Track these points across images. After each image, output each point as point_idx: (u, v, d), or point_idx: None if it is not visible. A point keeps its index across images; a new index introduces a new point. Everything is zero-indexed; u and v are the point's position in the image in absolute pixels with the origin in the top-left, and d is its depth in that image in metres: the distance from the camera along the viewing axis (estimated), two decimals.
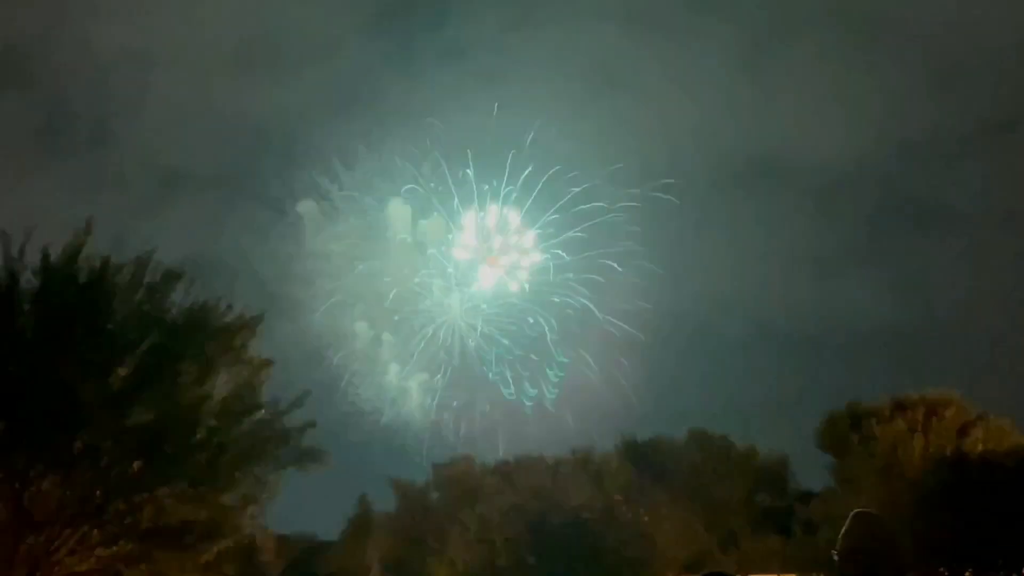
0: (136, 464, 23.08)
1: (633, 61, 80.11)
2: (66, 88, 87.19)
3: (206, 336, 24.04)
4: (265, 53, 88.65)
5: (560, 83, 75.87)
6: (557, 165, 68.77)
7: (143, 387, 23.04)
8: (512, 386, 68.92)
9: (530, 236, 70.35)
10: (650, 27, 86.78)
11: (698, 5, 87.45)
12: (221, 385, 24.18)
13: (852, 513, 6.99)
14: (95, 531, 23.04)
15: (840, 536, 6.83)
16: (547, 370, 68.56)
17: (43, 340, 22.74)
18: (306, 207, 71.42)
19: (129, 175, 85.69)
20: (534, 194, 69.32)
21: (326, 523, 58.09)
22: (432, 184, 69.92)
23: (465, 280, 71.42)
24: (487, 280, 71.32)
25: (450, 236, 70.80)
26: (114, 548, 23.25)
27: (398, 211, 70.41)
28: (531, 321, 69.98)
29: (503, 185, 69.57)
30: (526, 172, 68.88)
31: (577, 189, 69.10)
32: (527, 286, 70.55)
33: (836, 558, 6.81)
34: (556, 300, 69.80)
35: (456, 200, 70.00)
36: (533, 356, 69.23)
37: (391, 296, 70.34)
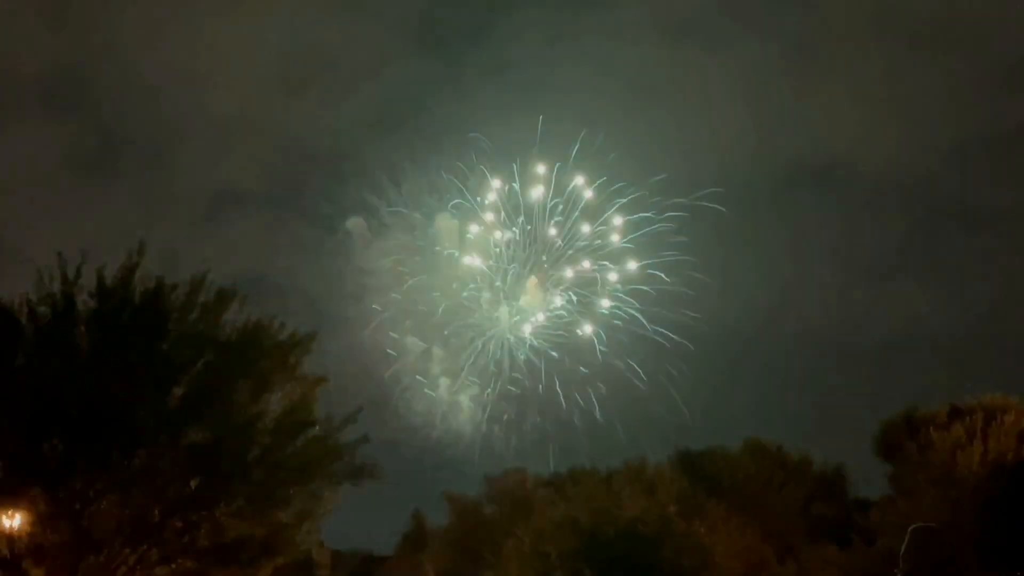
0: (193, 482, 23.32)
1: (675, 71, 79.69)
2: (117, 112, 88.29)
3: (260, 354, 24.23)
4: (311, 72, 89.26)
5: (603, 94, 75.54)
6: (603, 176, 68.56)
7: (199, 406, 23.28)
8: (562, 398, 68.83)
9: (577, 247, 70.27)
10: (691, 36, 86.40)
11: (738, 13, 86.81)
12: (275, 403, 24.39)
13: (911, 529, 6.86)
14: (153, 549, 23.31)
15: (901, 554, 6.72)
16: (597, 382, 68.44)
17: (100, 361, 23.03)
18: (354, 224, 71.69)
19: (180, 196, 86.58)
20: (580, 206, 69.26)
21: (381, 538, 58.24)
22: (479, 198, 70.05)
23: (513, 293, 71.51)
24: (535, 293, 71.34)
25: (497, 250, 70.92)
26: (172, 566, 23.50)
27: (445, 226, 70.56)
28: (579, 333, 69.87)
29: (549, 197, 69.62)
30: (572, 184, 68.85)
31: (623, 200, 68.87)
32: (574, 298, 70.49)
33: None
34: (604, 312, 69.68)
35: (503, 213, 70.07)
36: (582, 368, 69.07)
37: (440, 310, 70.52)
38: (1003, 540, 35.21)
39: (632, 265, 71.33)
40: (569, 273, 71.71)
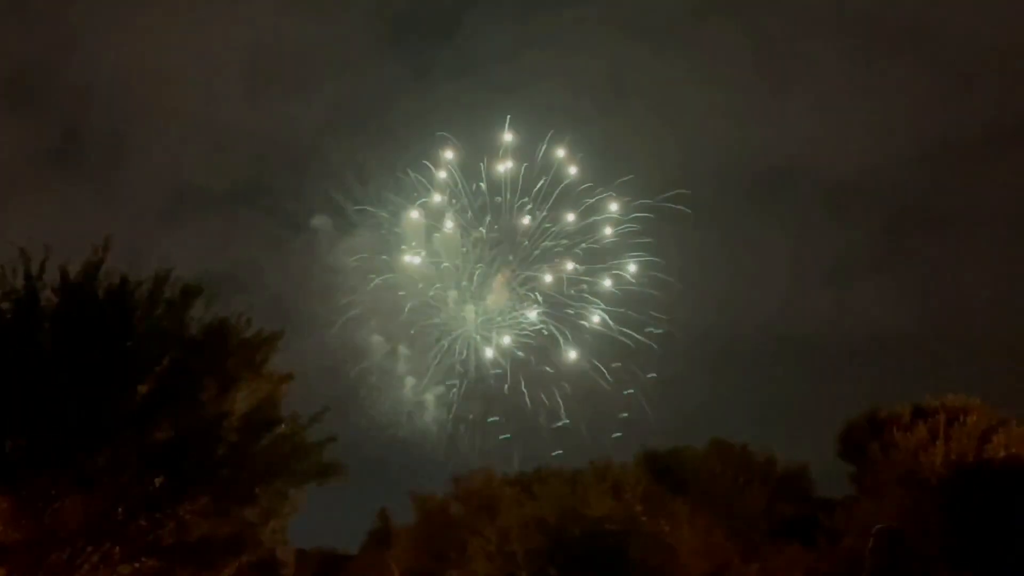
0: (158, 480, 23.13)
1: (644, 70, 79.92)
2: (78, 108, 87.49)
3: (226, 352, 24.10)
4: (276, 68, 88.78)
5: (571, 94, 75.67)
6: (570, 177, 68.78)
7: (164, 403, 23.11)
8: (527, 398, 68.92)
9: (543, 248, 70.37)
10: (660, 36, 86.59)
11: (708, 12, 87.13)
12: (242, 400, 24.25)
13: (875, 530, 6.87)
14: (117, 548, 23.09)
15: (867, 555, 6.74)
16: (561, 382, 68.55)
17: (63, 358, 22.81)
18: (320, 222, 71.61)
19: (143, 192, 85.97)
20: (547, 206, 69.36)
21: (346, 537, 58.10)
22: (445, 197, 70.03)
23: (479, 293, 71.48)
24: (501, 292, 71.36)
25: (464, 249, 70.87)
26: (136, 564, 23.29)
27: (412, 225, 70.54)
28: (545, 333, 70.01)
29: (516, 197, 69.65)
30: (539, 184, 68.92)
31: (590, 200, 69.10)
32: (541, 298, 70.56)
33: None
34: (570, 312, 69.78)
35: (470, 213, 70.07)
36: (548, 368, 69.21)
37: (406, 310, 70.42)
38: (966, 540, 35.54)
39: (598, 266, 71.57)
40: (535, 273, 71.81)
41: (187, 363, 23.67)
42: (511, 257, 70.71)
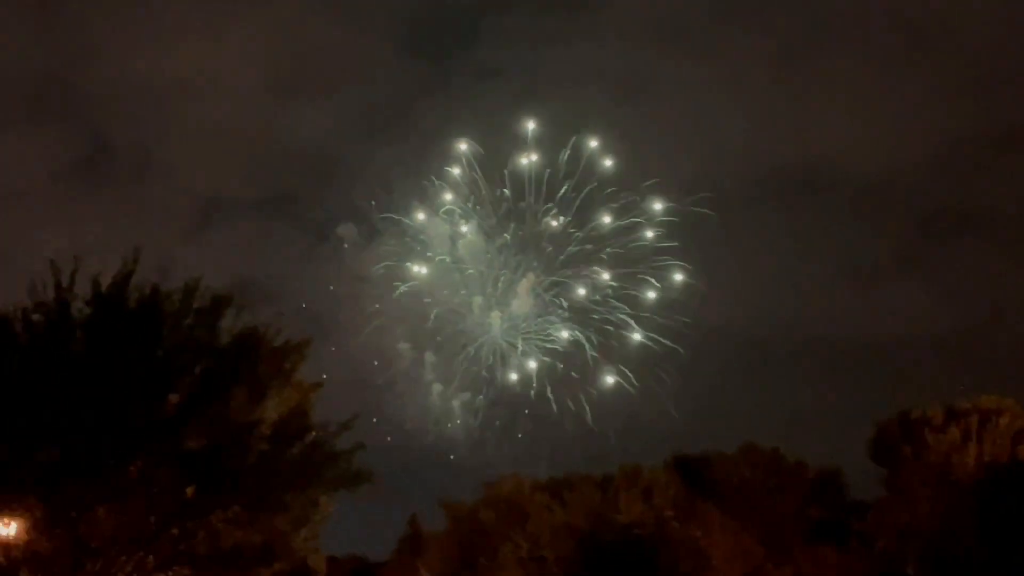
0: (189, 489, 23.21)
1: (666, 74, 79.86)
2: (105, 119, 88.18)
3: (256, 361, 24.15)
4: (300, 77, 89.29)
5: (594, 99, 75.70)
6: (593, 182, 68.76)
7: (195, 413, 23.19)
8: (553, 403, 68.84)
9: (568, 253, 70.29)
10: (681, 40, 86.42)
11: (729, 15, 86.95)
12: (272, 409, 24.28)
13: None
14: (150, 557, 23.22)
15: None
16: (588, 387, 68.44)
17: (95, 368, 22.93)
18: (346, 230, 71.91)
19: (170, 202, 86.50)
20: (571, 211, 69.30)
21: (377, 544, 58.14)
22: (469, 204, 70.13)
23: (505, 299, 71.45)
24: (526, 298, 71.31)
25: (488, 255, 70.89)
26: (169, 573, 23.42)
27: (437, 231, 70.65)
28: (571, 338, 69.93)
29: (541, 203, 69.61)
30: (563, 190, 68.92)
31: (614, 205, 69.03)
32: (566, 303, 70.48)
33: None
34: (595, 317, 69.68)
35: (494, 219, 70.12)
36: (573, 374, 69.16)
37: (432, 316, 70.52)
38: (1000, 541, 35.26)
39: (622, 270, 71.36)
40: (560, 279, 71.65)
41: (218, 372, 23.75)
42: (536, 263, 70.69)
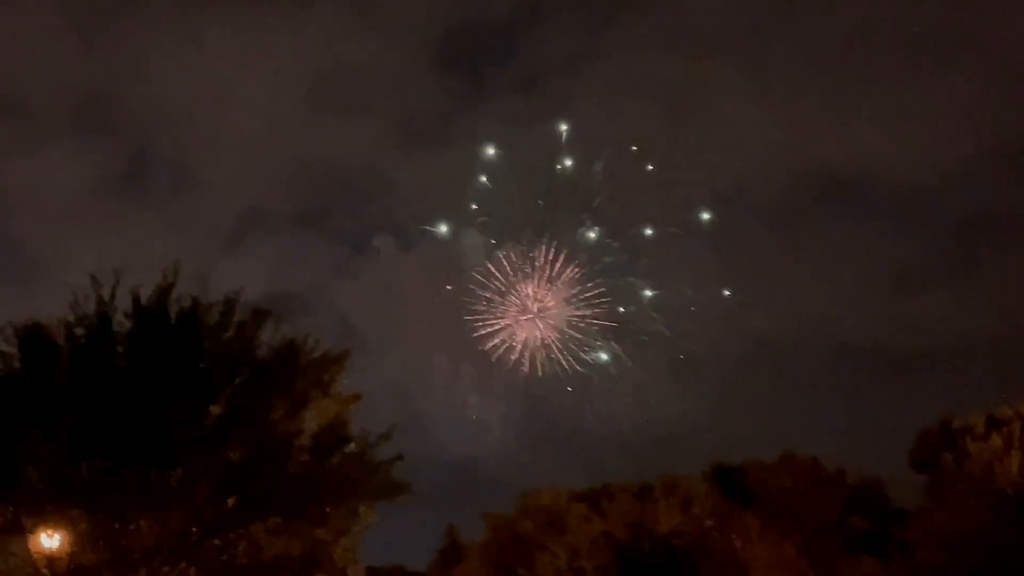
0: (230, 500, 23.39)
1: (702, 84, 79.80)
2: (145, 134, 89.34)
3: (295, 373, 24.31)
4: (337, 92, 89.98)
5: (630, 109, 75.84)
6: (629, 191, 68.83)
7: (235, 424, 23.36)
8: (590, 413, 68.85)
9: (604, 263, 70.30)
10: (719, 48, 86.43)
11: (766, 24, 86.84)
12: (311, 420, 24.43)
13: None
14: (192, 568, 23.41)
15: None
16: (625, 397, 68.40)
17: (137, 381, 23.18)
18: (382, 241, 72.34)
19: (209, 216, 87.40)
20: (608, 221, 69.36)
21: (415, 554, 58.32)
22: (506, 215, 70.35)
23: (541, 308, 71.48)
24: (563, 307, 71.32)
25: (525, 265, 71.05)
26: None
27: (473, 242, 70.92)
28: (607, 348, 69.92)
29: (577, 212, 69.69)
30: (598, 199, 68.99)
31: (650, 215, 69.02)
32: (602, 313, 70.46)
33: None
34: (632, 327, 69.59)
35: (530, 229, 70.30)
36: (611, 383, 69.12)
37: (468, 327, 70.69)
38: None
39: (660, 278, 71.27)
40: (597, 288, 71.56)
41: (257, 384, 23.91)
42: (572, 273, 70.66)
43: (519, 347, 70.97)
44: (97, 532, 22.77)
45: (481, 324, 70.67)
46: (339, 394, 25.27)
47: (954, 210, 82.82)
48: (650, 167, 68.63)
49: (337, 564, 26.11)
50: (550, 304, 71.16)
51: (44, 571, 22.77)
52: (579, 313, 70.68)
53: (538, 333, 71.03)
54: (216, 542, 23.44)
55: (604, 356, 68.93)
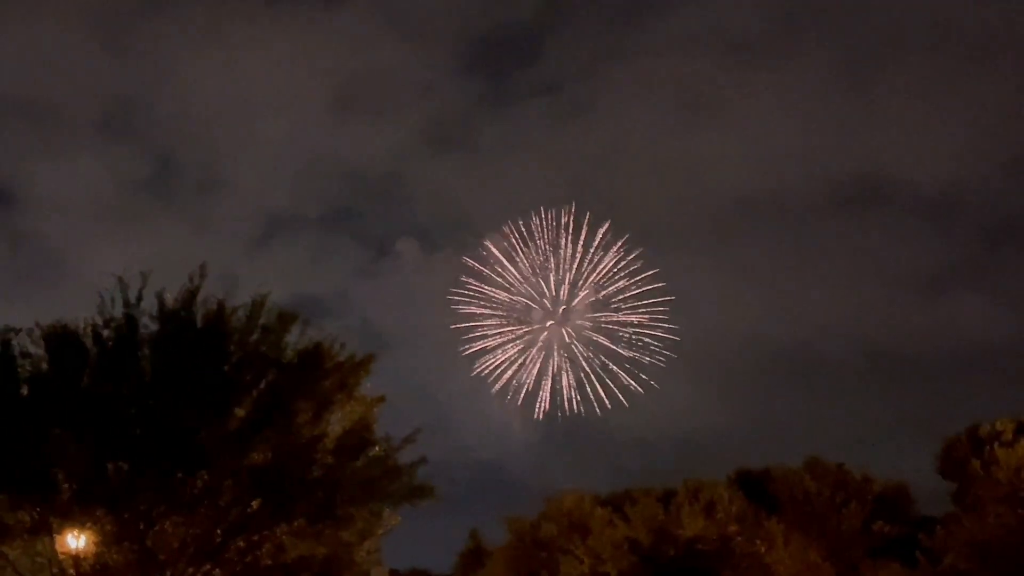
0: (255, 502, 23.45)
1: (730, 85, 79.79)
2: (171, 138, 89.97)
3: (321, 375, 24.34)
4: (362, 96, 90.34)
5: (655, 111, 75.88)
6: (654, 192, 68.80)
7: (261, 427, 23.43)
8: (613, 419, 68.76)
9: (627, 264, 70.27)
10: (744, 51, 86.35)
11: (792, 26, 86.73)
12: (336, 423, 24.46)
13: None
14: (216, 569, 23.52)
15: None
16: (648, 402, 68.32)
17: (163, 383, 23.31)
18: (406, 245, 72.50)
19: (234, 219, 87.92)
20: (633, 222, 69.29)
21: (439, 558, 58.40)
22: (530, 217, 70.40)
23: (565, 313, 71.49)
24: (586, 311, 71.33)
25: (549, 270, 71.08)
26: None
27: (497, 246, 71.00)
28: (629, 352, 69.85)
29: (601, 214, 69.64)
30: (623, 200, 68.88)
31: (675, 216, 68.92)
32: (623, 316, 70.42)
33: None
34: (655, 331, 69.47)
35: (554, 232, 70.32)
36: (633, 388, 69.07)
37: (492, 331, 70.75)
38: None
39: (682, 281, 71.10)
40: (620, 289, 71.51)
41: (283, 387, 23.96)
42: (595, 275, 70.66)
43: (542, 351, 70.96)
44: (123, 533, 22.89)
45: (504, 329, 70.66)
46: (363, 397, 25.28)
47: (982, 215, 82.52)
48: (671, 170, 68.55)
49: (360, 567, 26.14)
50: (574, 309, 71.15)
51: (70, 571, 22.93)
52: (601, 316, 70.64)
53: (562, 335, 71.03)
54: (240, 543, 23.52)
55: (622, 349, 68.86)
